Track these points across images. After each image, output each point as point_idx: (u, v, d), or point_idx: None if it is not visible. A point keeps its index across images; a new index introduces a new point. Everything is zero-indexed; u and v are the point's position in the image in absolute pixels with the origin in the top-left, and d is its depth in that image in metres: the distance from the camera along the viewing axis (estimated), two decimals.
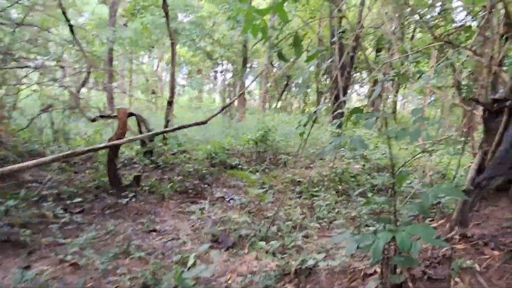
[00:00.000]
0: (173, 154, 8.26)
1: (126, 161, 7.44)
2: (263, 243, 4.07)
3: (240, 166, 8.31)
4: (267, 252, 3.92)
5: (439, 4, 7.45)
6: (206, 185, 6.91)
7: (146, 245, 4.14)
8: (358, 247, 2.29)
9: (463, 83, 6.47)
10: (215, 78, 14.33)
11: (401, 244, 2.04)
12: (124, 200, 5.33)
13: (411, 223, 2.65)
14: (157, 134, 6.40)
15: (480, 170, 3.39)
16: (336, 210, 5.43)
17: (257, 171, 8.02)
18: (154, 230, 4.72)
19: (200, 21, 14.18)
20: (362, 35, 13.97)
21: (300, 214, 5.34)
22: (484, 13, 6.15)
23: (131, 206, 5.37)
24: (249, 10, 2.56)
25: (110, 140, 5.52)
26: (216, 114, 5.23)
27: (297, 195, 6.44)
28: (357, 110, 2.54)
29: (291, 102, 26.27)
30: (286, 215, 5.25)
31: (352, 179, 6.89)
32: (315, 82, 17.77)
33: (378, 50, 21.18)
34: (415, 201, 2.65)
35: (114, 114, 6.62)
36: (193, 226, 5.11)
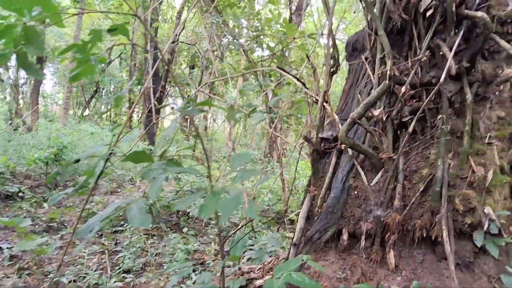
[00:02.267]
0: None
1: None
2: None
3: (21, 194, 6.10)
4: None
5: (252, 30, 7.24)
6: None
7: None
8: None
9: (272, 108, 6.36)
10: None
11: None
12: None
13: None
14: None
15: (308, 217, 2.89)
16: (146, 255, 4.25)
17: (46, 201, 6.04)
18: None
19: None
20: (177, 49, 13.25)
21: (98, 266, 3.94)
22: (292, 45, 6.16)
23: None
24: None
25: None
26: None
27: (96, 235, 4.92)
28: (137, 156, 1.55)
29: (101, 110, 23.22)
30: (76, 272, 3.74)
31: (165, 208, 5.83)
32: (128, 92, 16.01)
33: (192, 67, 20.98)
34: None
35: None
36: None
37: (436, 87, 2.19)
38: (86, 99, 18.37)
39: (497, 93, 2.40)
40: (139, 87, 17.87)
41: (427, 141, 2.48)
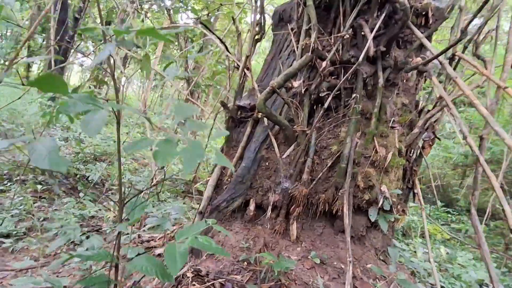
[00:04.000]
0: None
1: None
2: None
3: None
4: None
5: None
6: None
7: None
8: None
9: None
10: None
11: None
12: None
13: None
14: None
15: (217, 186, 2.77)
16: (31, 219, 3.72)
17: None
18: None
19: None
20: None
21: None
22: (218, 12, 5.88)
23: None
24: None
25: None
26: None
27: None
28: (49, 80, 1.25)
29: None
30: None
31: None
32: (26, 38, 13.89)
33: (108, 23, 19.06)
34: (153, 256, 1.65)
35: None
36: None
37: (354, 66, 2.20)
38: None
39: (404, 81, 2.53)
40: (43, 35, 15.64)
41: (339, 119, 2.52)
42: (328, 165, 2.44)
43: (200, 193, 5.90)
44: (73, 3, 11.65)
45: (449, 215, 7.33)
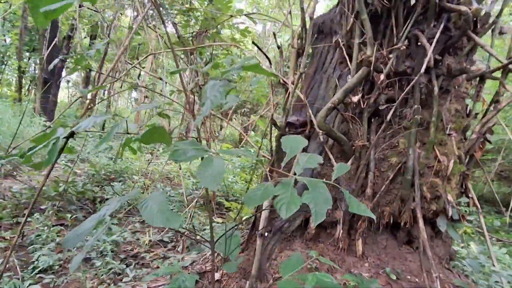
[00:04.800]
0: None
1: None
2: None
3: None
4: None
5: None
6: None
7: None
8: None
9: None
10: None
11: None
12: None
13: None
14: None
15: (271, 206, 2.69)
16: (62, 250, 3.56)
17: None
18: None
19: None
20: (79, 15, 11.53)
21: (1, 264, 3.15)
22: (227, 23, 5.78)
23: None
24: None
25: None
26: None
27: None
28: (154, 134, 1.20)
29: None
30: None
31: (79, 195, 5.02)
32: (16, 58, 13.48)
33: (93, 37, 18.67)
34: None
35: None
36: None
37: (417, 78, 2.16)
38: None
39: (456, 87, 2.51)
40: (27, 54, 15.26)
41: (395, 130, 2.48)
42: (389, 178, 2.40)
43: (219, 204, 5.80)
44: (62, 19, 11.37)
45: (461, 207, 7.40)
